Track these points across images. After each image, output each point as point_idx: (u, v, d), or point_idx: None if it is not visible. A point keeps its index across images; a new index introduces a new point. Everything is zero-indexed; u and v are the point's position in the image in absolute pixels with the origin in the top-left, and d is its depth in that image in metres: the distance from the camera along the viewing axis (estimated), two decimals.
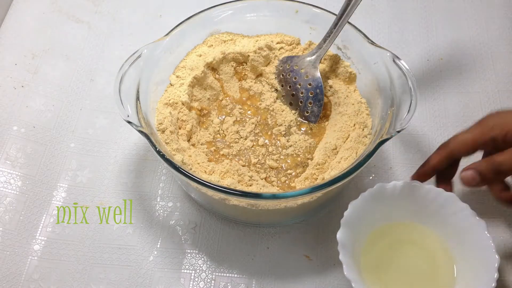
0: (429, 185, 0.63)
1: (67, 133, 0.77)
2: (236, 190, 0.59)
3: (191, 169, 0.64)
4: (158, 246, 0.68)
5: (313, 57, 0.72)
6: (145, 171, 0.74)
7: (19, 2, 0.89)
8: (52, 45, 0.85)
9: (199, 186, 0.59)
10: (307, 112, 0.71)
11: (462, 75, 0.83)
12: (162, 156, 0.60)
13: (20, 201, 0.70)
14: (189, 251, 0.68)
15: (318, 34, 0.74)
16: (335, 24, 0.69)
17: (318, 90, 0.71)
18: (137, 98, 0.64)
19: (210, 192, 0.61)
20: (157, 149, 0.60)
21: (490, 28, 0.88)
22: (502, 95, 0.80)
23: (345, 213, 0.61)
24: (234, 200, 0.62)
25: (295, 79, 0.72)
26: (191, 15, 0.72)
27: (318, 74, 0.71)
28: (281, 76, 0.73)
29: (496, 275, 0.56)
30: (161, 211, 0.71)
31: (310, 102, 0.71)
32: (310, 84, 0.71)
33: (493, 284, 0.56)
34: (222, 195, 0.60)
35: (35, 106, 0.78)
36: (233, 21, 0.74)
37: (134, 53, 0.66)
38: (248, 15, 0.74)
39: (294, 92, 0.72)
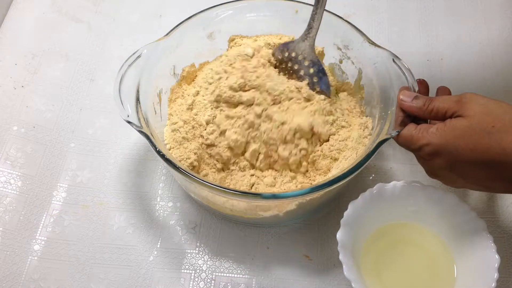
0: (429, 186, 0.63)
1: (67, 133, 0.77)
2: (236, 190, 0.59)
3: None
4: (158, 246, 0.68)
5: (307, 39, 0.69)
6: (145, 171, 0.74)
7: (19, 2, 0.89)
8: (52, 45, 0.85)
9: (199, 186, 0.59)
10: None
11: (462, 75, 0.83)
12: (162, 156, 0.60)
13: (20, 201, 0.70)
14: (189, 251, 0.68)
15: (318, 35, 0.74)
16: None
17: (321, 74, 0.69)
18: (137, 98, 0.64)
19: (210, 192, 0.61)
20: (157, 149, 0.60)
21: (490, 28, 0.88)
22: (502, 95, 0.80)
23: (345, 213, 0.61)
24: (234, 200, 0.62)
25: (296, 67, 0.70)
26: (191, 15, 0.72)
27: (316, 57, 0.69)
28: (282, 66, 0.71)
29: (496, 275, 0.56)
30: (161, 211, 0.71)
31: (317, 88, 0.69)
32: (312, 70, 0.69)
33: (493, 284, 0.56)
34: (222, 195, 0.60)
35: (35, 106, 0.78)
36: (233, 21, 0.74)
37: (134, 53, 0.66)
38: (248, 15, 0.74)
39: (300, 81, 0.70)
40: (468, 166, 0.54)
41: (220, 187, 0.58)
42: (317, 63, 0.69)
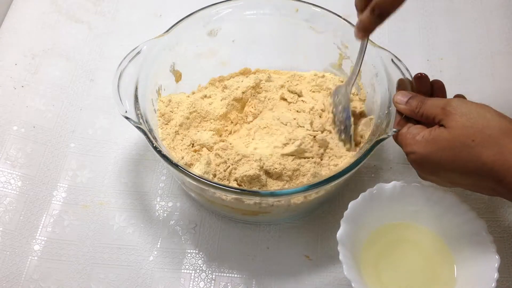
0: (429, 186, 0.63)
1: (67, 133, 0.77)
2: (234, 188, 0.59)
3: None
4: (158, 246, 0.68)
5: (346, 84, 0.69)
6: (145, 171, 0.74)
7: (19, 2, 0.89)
8: (52, 45, 0.85)
9: (196, 183, 0.59)
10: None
11: (462, 75, 0.83)
12: (159, 152, 0.60)
13: (20, 201, 0.70)
14: (189, 251, 0.68)
15: (318, 34, 0.74)
16: (362, 49, 0.66)
17: (347, 122, 0.68)
18: (136, 95, 0.64)
19: (207, 189, 0.61)
20: (154, 145, 0.60)
21: (490, 28, 0.88)
22: (502, 95, 0.80)
23: (345, 213, 0.61)
24: (232, 197, 0.62)
25: (335, 111, 0.70)
26: (191, 12, 0.72)
27: (348, 104, 0.68)
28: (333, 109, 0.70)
29: (496, 275, 0.56)
30: (161, 211, 0.71)
31: (342, 137, 0.68)
32: (342, 116, 0.68)
33: (493, 284, 0.56)
34: (220, 193, 0.60)
35: (35, 106, 0.78)
36: (233, 20, 0.74)
37: (133, 49, 0.66)
38: (247, 13, 0.74)
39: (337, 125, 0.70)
40: (453, 174, 0.56)
41: (217, 184, 0.58)
42: (346, 110, 0.68)
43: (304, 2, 0.73)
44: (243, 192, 0.59)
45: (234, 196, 0.60)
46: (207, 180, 0.59)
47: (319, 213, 0.70)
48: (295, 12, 0.74)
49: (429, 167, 0.57)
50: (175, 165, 0.59)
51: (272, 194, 0.59)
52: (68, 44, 0.86)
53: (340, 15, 0.72)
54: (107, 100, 0.80)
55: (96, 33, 0.88)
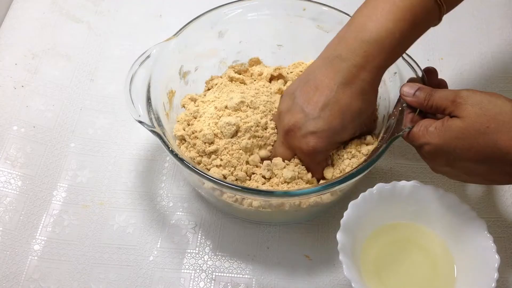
0: (429, 185, 0.63)
1: (67, 133, 0.77)
2: (249, 189, 0.59)
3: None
4: (158, 246, 0.68)
5: None
6: (145, 171, 0.74)
7: (19, 2, 0.89)
8: (52, 45, 0.85)
9: (212, 185, 0.59)
10: None
11: (462, 75, 0.83)
12: (175, 155, 0.59)
13: (20, 201, 0.70)
14: (189, 251, 0.68)
15: (324, 33, 0.74)
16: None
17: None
18: (148, 98, 0.63)
19: (223, 191, 0.61)
20: (170, 149, 0.60)
21: (490, 28, 0.88)
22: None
23: (345, 213, 0.61)
24: (249, 199, 0.62)
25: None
26: (199, 14, 0.71)
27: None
28: None
29: (496, 275, 0.56)
30: (161, 211, 0.71)
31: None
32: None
33: (493, 284, 0.56)
34: (237, 194, 0.60)
35: (35, 106, 0.78)
36: (242, 21, 0.73)
37: (143, 53, 0.66)
38: (254, 14, 0.74)
39: None
40: (468, 163, 0.55)
41: (234, 185, 0.58)
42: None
43: (311, 1, 0.73)
44: (257, 192, 0.59)
45: (248, 196, 0.60)
46: (226, 183, 0.58)
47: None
48: (303, 11, 0.73)
49: (444, 158, 0.57)
50: (191, 168, 0.59)
51: (286, 194, 0.59)
52: (68, 44, 0.86)
53: (348, 13, 0.72)
54: (107, 100, 0.80)
55: (96, 33, 0.88)
